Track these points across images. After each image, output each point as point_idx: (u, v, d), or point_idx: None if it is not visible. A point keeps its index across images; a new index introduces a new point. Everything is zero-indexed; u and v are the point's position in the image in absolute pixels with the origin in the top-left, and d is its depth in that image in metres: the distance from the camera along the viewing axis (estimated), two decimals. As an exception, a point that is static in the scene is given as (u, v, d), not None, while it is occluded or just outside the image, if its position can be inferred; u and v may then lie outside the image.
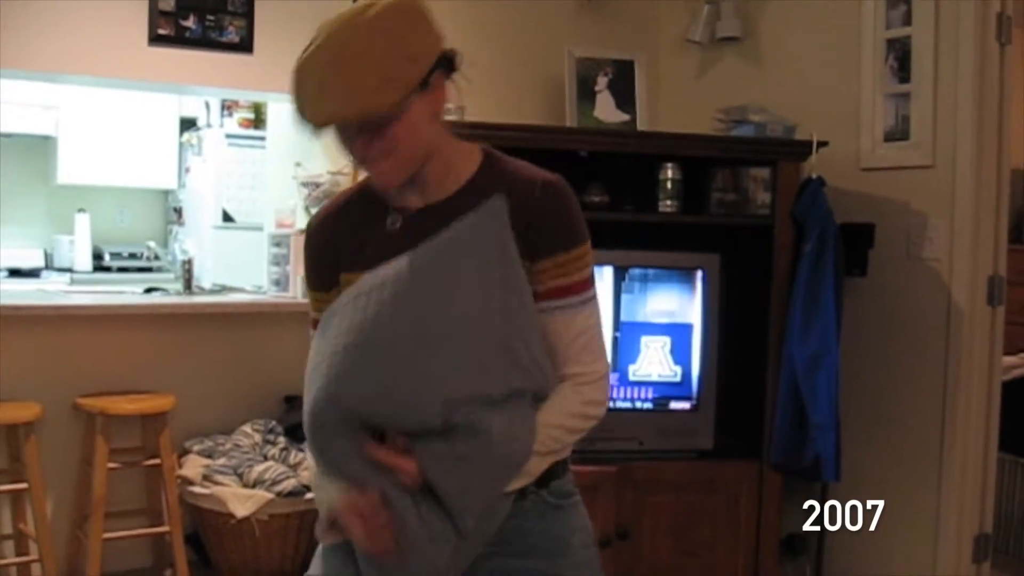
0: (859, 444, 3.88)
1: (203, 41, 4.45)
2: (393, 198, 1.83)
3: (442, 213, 1.76)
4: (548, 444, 1.78)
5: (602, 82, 4.22)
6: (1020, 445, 4.48)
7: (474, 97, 4.35)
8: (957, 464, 3.67)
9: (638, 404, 3.67)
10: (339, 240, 1.87)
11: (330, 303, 1.79)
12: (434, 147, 1.78)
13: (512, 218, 1.74)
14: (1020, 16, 3.77)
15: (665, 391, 3.68)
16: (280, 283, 4.62)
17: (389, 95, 1.66)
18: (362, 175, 1.88)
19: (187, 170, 7.36)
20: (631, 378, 3.66)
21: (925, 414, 3.75)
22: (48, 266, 7.14)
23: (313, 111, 1.69)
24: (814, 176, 3.75)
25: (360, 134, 1.70)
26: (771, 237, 3.74)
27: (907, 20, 3.81)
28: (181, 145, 7.36)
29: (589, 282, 1.80)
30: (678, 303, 3.68)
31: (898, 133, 3.85)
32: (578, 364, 1.79)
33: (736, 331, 3.81)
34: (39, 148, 7.10)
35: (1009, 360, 4.39)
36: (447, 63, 1.82)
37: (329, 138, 1.75)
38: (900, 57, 3.83)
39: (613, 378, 3.61)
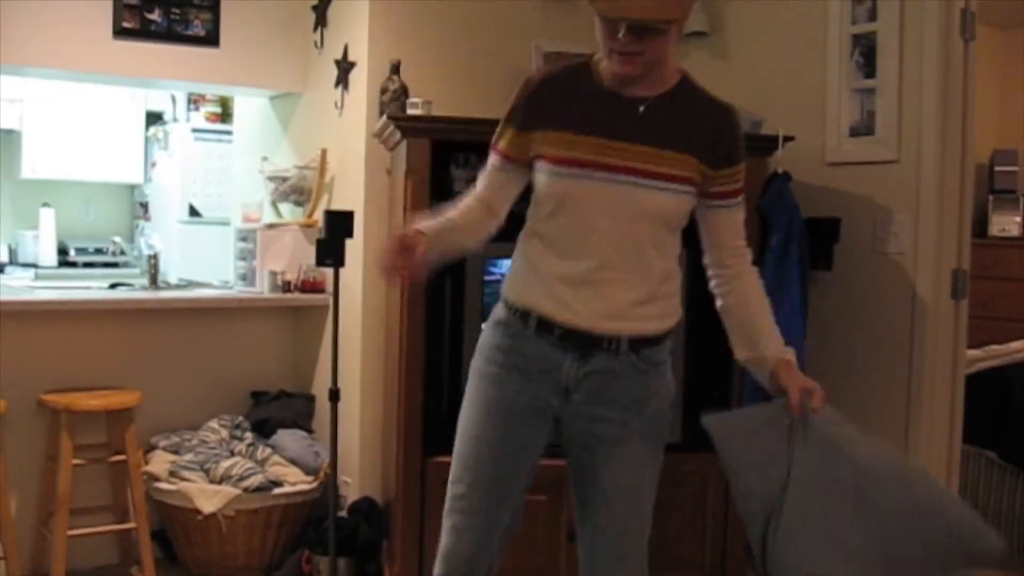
0: (825, 437, 3.90)
1: (169, 34, 4.43)
2: (614, 85, 2.25)
3: (655, 107, 2.25)
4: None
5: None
6: (983, 438, 4.53)
7: (441, 91, 4.36)
8: (922, 456, 3.70)
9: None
10: (554, 99, 2.29)
11: (524, 144, 2.30)
12: (656, 67, 2.22)
13: (700, 134, 2.25)
14: (984, 12, 3.80)
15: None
16: (247, 278, 4.60)
17: (675, 12, 2.11)
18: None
19: (153, 164, 7.30)
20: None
21: (890, 407, 3.78)
22: (12, 261, 7.08)
23: (624, 5, 2.09)
24: (780, 171, 3.76)
25: (629, 33, 2.10)
26: (738, 231, 3.75)
27: (872, 16, 3.83)
28: (147, 139, 7.30)
29: (743, 189, 2.36)
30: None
31: (863, 128, 3.88)
32: (744, 243, 2.39)
33: (704, 324, 3.82)
34: (3, 142, 7.03)
35: (973, 353, 4.43)
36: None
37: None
38: (866, 53, 3.86)
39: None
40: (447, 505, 2.40)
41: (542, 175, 2.28)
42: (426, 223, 2.30)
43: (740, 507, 2.34)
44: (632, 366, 2.30)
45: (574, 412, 2.33)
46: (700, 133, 2.26)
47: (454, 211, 2.38)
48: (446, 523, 2.40)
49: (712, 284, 2.43)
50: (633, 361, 2.29)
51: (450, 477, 2.40)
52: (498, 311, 2.39)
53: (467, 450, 2.37)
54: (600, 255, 2.24)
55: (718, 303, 2.43)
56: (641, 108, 2.25)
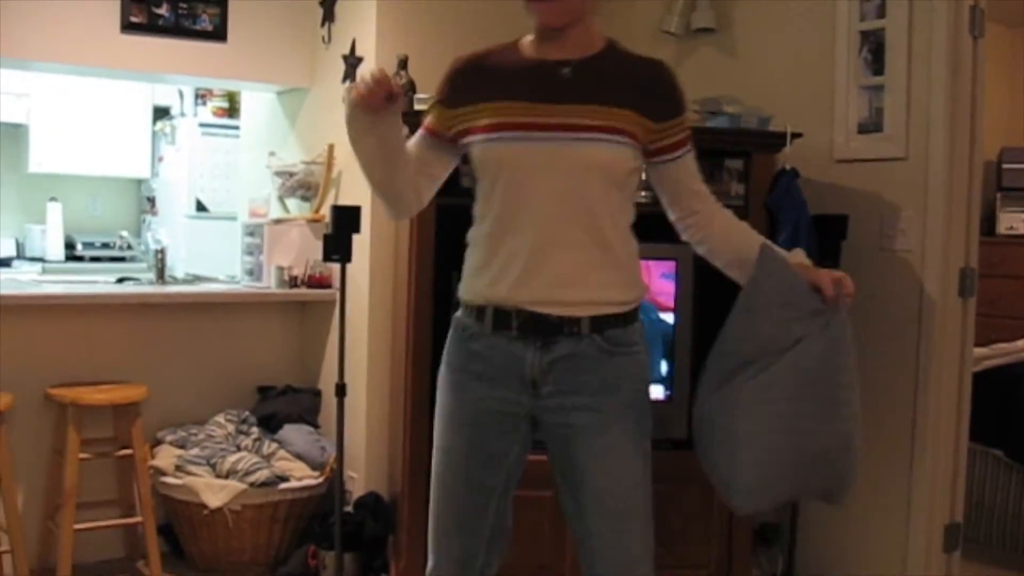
0: (831, 434, 3.89)
1: (176, 29, 4.43)
2: (538, 51, 2.27)
3: (583, 68, 2.23)
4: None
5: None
6: (990, 435, 4.52)
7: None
8: (928, 454, 3.70)
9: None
10: (480, 75, 2.30)
11: (450, 120, 2.30)
12: (580, 16, 2.23)
13: (636, 89, 2.23)
14: (993, 10, 3.79)
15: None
16: (253, 273, 4.60)
17: None
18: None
19: (160, 159, 7.31)
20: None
21: (897, 405, 3.77)
22: (20, 255, 7.08)
23: None
24: (788, 167, 3.76)
25: None
26: (745, 228, 3.75)
27: (881, 13, 3.82)
28: (154, 134, 7.31)
29: (691, 140, 2.32)
30: (651, 293, 3.68)
31: (871, 125, 3.87)
32: (702, 185, 2.37)
33: (709, 322, 3.81)
34: (11, 136, 7.03)
35: (980, 351, 4.43)
36: None
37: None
38: (874, 49, 3.85)
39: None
40: (429, 522, 2.36)
41: (476, 149, 2.25)
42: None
43: (719, 347, 2.37)
44: (598, 348, 2.22)
45: (545, 406, 2.24)
46: (636, 88, 2.23)
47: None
48: (429, 541, 2.36)
49: (687, 235, 2.42)
50: (599, 343, 2.22)
51: (430, 492, 2.36)
52: (456, 315, 2.34)
53: (438, 464, 2.33)
54: (545, 217, 2.18)
55: (701, 249, 2.42)
56: (565, 70, 2.23)
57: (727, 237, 2.37)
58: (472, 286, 2.28)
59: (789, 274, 2.30)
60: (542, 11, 2.21)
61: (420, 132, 2.37)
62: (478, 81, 2.29)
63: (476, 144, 2.25)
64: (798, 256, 2.38)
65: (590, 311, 2.21)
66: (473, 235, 2.31)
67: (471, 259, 2.30)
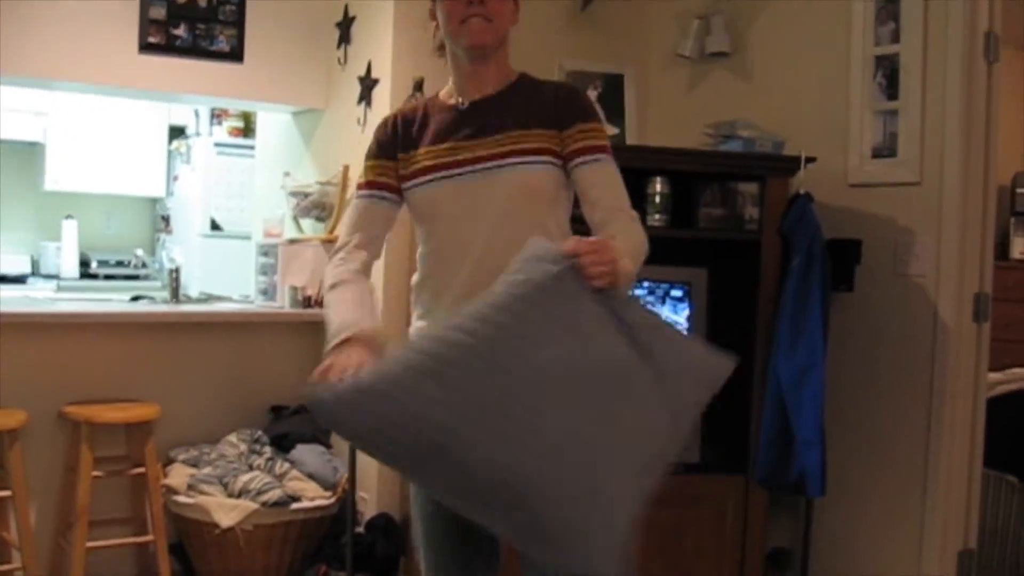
0: (844, 459, 3.88)
1: (193, 50, 4.46)
2: (459, 93, 2.32)
3: (498, 102, 2.29)
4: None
5: (592, 95, 4.23)
6: (1004, 461, 4.50)
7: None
8: (942, 480, 3.68)
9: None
10: (406, 128, 2.34)
11: (383, 170, 2.34)
12: (503, 43, 2.29)
13: (543, 107, 2.26)
14: (1008, 35, 3.79)
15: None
16: (268, 293, 4.61)
17: None
18: None
19: (175, 178, 7.35)
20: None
21: (910, 430, 3.76)
22: (35, 273, 7.12)
23: None
24: (802, 192, 3.76)
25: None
26: (759, 252, 3.75)
27: (896, 38, 3.83)
28: (170, 153, 7.35)
29: (607, 149, 2.28)
30: (665, 318, 3.68)
31: (886, 150, 3.87)
32: (623, 202, 2.26)
33: (723, 345, 3.81)
34: (27, 154, 7.08)
35: (994, 376, 4.41)
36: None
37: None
38: (888, 74, 3.85)
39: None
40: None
41: (412, 196, 2.30)
42: (359, 329, 2.15)
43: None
44: None
45: None
46: (540, 106, 2.27)
47: (351, 290, 2.28)
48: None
49: None
50: None
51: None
52: None
53: (424, 524, 2.37)
54: (484, 248, 2.19)
55: None
56: (482, 106, 2.29)
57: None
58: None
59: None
60: (472, 30, 2.22)
61: (360, 194, 2.37)
62: (408, 133, 2.34)
63: (412, 192, 2.30)
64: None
65: None
66: (417, 278, 2.36)
67: (418, 306, 2.36)
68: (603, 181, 2.26)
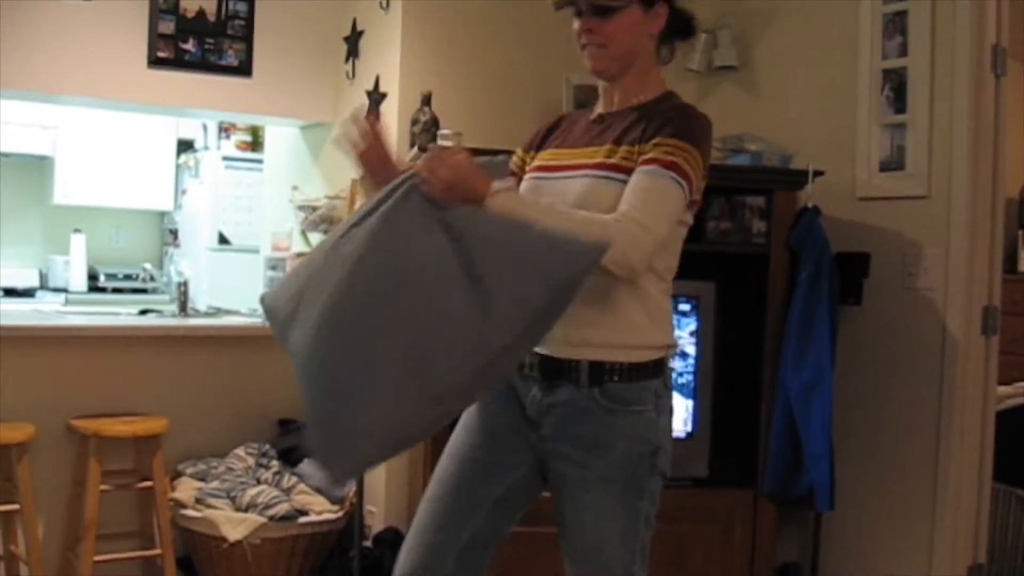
0: (853, 473, 3.87)
1: (202, 64, 4.47)
2: (601, 104, 2.30)
3: (617, 117, 2.23)
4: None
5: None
6: (1014, 475, 4.48)
7: (472, 122, 4.40)
8: (951, 494, 3.67)
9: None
10: (549, 130, 2.37)
11: (519, 160, 2.39)
12: (636, 59, 2.23)
13: (647, 126, 2.14)
14: (1015, 48, 3.79)
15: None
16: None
17: None
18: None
19: (183, 192, 7.37)
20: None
21: (919, 444, 3.75)
22: (43, 286, 7.14)
23: None
24: (810, 205, 3.76)
25: (584, 19, 2.19)
26: (767, 266, 3.75)
27: (903, 51, 3.83)
28: (178, 167, 7.37)
29: (674, 167, 2.09)
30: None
31: (894, 163, 3.87)
32: (633, 207, 2.05)
33: (731, 359, 3.82)
34: (36, 168, 7.11)
35: (1003, 390, 4.39)
36: (674, 8, 2.26)
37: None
38: (896, 87, 3.85)
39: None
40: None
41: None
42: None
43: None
44: (595, 402, 2.14)
45: (543, 448, 2.21)
46: (646, 124, 2.17)
47: None
48: (406, 539, 2.33)
49: None
50: (596, 396, 2.14)
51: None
52: None
53: (440, 463, 2.31)
54: None
55: None
56: (604, 120, 2.28)
57: None
58: None
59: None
60: (589, 56, 2.24)
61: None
62: (551, 133, 2.38)
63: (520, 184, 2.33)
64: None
65: (588, 355, 2.15)
66: None
67: None
68: (636, 187, 2.09)
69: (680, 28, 2.32)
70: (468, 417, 2.31)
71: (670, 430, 2.26)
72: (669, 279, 2.26)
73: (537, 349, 2.16)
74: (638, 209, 2.05)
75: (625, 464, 2.16)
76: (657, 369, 2.20)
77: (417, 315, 1.86)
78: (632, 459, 2.16)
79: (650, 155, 2.10)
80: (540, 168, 2.30)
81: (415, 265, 1.89)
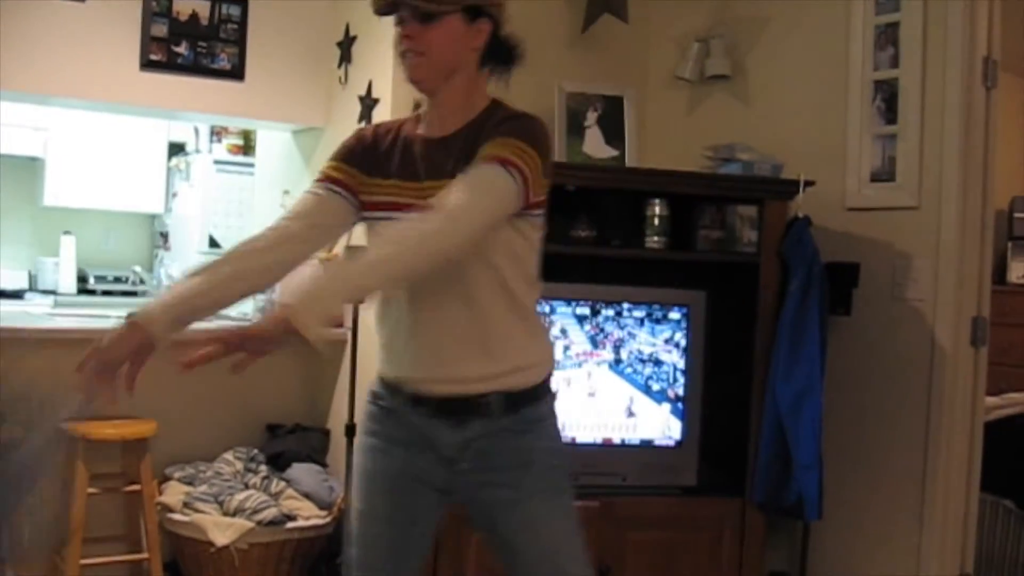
0: (842, 483, 3.88)
1: (195, 67, 4.47)
2: (426, 121, 2.21)
3: (446, 146, 2.15)
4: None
5: (591, 117, 4.24)
6: (1002, 486, 4.49)
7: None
8: (939, 504, 3.68)
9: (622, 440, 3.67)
10: (377, 149, 2.23)
11: (348, 175, 2.22)
12: (457, 71, 2.16)
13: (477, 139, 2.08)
14: (1006, 61, 3.81)
15: (649, 426, 3.69)
16: (265, 311, 4.61)
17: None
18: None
19: (174, 195, 7.35)
20: (615, 413, 3.66)
21: (908, 454, 3.76)
22: (32, 288, 7.11)
23: None
24: (800, 215, 3.77)
25: (405, 26, 2.11)
26: (757, 275, 3.76)
27: (895, 62, 3.85)
28: (169, 170, 7.35)
29: (509, 163, 2.01)
30: (663, 339, 3.68)
31: (884, 174, 3.88)
32: (453, 197, 1.97)
33: (721, 368, 3.82)
34: (26, 169, 7.09)
35: (992, 401, 4.41)
36: (498, 22, 2.19)
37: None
38: (887, 99, 3.87)
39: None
40: None
41: (368, 223, 2.26)
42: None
43: None
44: (507, 429, 2.19)
45: (463, 482, 2.23)
46: (477, 137, 2.12)
47: (214, 262, 2.21)
48: None
49: None
50: (508, 424, 2.19)
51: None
52: (373, 382, 2.35)
53: (359, 527, 2.31)
54: (417, 293, 2.15)
55: None
56: (445, 143, 2.17)
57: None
58: (383, 361, 2.32)
59: None
60: (408, 65, 2.16)
61: (314, 185, 2.26)
62: (376, 153, 2.25)
63: (363, 221, 2.26)
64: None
65: (494, 387, 2.17)
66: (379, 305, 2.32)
67: (381, 331, 2.32)
68: (462, 181, 2.01)
69: (501, 52, 2.23)
70: (371, 475, 2.30)
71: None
72: (539, 286, 2.26)
73: (437, 391, 2.19)
74: (456, 196, 1.97)
75: (547, 473, 2.23)
76: (549, 382, 2.29)
77: None
78: (551, 466, 2.24)
79: (483, 153, 2.05)
80: (390, 206, 2.17)
81: None
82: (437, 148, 2.18)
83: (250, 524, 3.95)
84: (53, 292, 6.93)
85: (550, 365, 2.30)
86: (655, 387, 3.67)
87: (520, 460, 2.21)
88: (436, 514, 2.32)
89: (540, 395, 2.25)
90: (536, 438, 2.23)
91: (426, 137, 2.21)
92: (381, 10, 2.14)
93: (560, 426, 2.32)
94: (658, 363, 3.67)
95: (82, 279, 7.16)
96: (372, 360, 4.14)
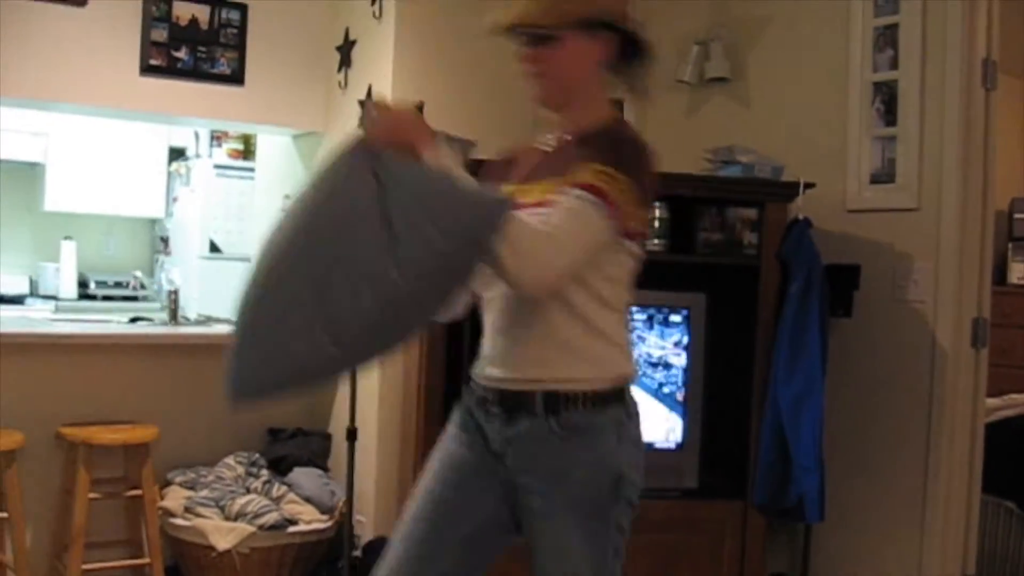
0: (843, 485, 3.88)
1: (195, 72, 4.48)
2: (544, 135, 2.25)
3: (560, 151, 2.18)
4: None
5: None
6: (1003, 487, 4.49)
7: (465, 132, 4.38)
8: (940, 505, 3.68)
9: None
10: (510, 159, 2.32)
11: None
12: (580, 87, 2.18)
13: (586, 149, 2.06)
14: (1005, 61, 3.81)
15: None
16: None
17: (548, 18, 2.08)
18: None
19: (175, 199, 7.35)
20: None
21: (909, 455, 3.76)
22: (33, 293, 7.11)
23: (497, 15, 2.13)
24: (801, 217, 3.77)
25: (526, 47, 2.13)
26: (757, 277, 3.76)
27: (894, 64, 3.85)
28: (169, 174, 7.35)
29: (592, 188, 1.99)
30: (663, 342, 3.69)
31: (884, 176, 3.88)
32: (544, 217, 1.98)
33: (722, 370, 3.82)
34: (27, 174, 7.09)
35: (992, 402, 4.41)
36: (625, 34, 2.18)
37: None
38: (887, 100, 3.87)
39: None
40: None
41: None
42: None
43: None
44: (550, 431, 2.11)
45: (510, 482, 2.17)
46: (577, 151, 2.11)
47: None
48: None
49: None
50: (551, 425, 2.10)
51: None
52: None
53: (413, 502, 2.26)
54: (502, 293, 2.16)
55: None
56: (550, 149, 2.23)
57: None
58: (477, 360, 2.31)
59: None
60: (531, 86, 2.18)
61: None
62: (508, 164, 2.33)
63: None
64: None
65: (544, 386, 2.12)
66: None
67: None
68: (550, 209, 2.01)
69: (631, 53, 2.23)
70: (440, 452, 2.30)
71: (636, 459, 2.18)
72: (621, 308, 2.19)
73: (495, 384, 2.18)
74: (546, 217, 1.98)
75: (586, 493, 2.11)
76: (616, 397, 2.16)
77: (330, 256, 1.89)
78: (592, 488, 2.12)
79: (570, 180, 2.03)
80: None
81: (340, 210, 1.92)
82: (550, 154, 2.22)
83: (251, 528, 3.95)
84: (54, 297, 6.93)
85: (620, 383, 2.18)
86: (665, 390, 3.67)
87: (557, 470, 2.11)
88: (496, 507, 2.21)
89: (594, 405, 2.12)
90: (582, 448, 2.11)
91: (544, 147, 2.26)
92: (499, 33, 2.16)
93: (633, 452, 2.18)
94: (658, 365, 3.67)
95: (83, 284, 7.16)
96: (372, 365, 4.16)
